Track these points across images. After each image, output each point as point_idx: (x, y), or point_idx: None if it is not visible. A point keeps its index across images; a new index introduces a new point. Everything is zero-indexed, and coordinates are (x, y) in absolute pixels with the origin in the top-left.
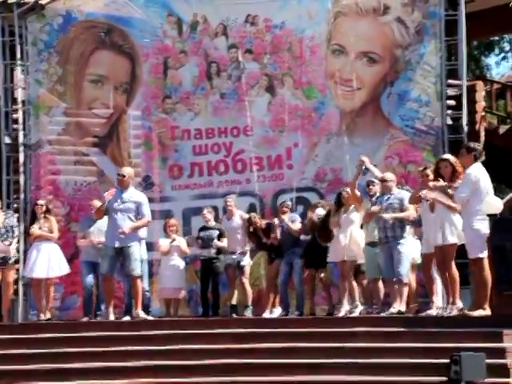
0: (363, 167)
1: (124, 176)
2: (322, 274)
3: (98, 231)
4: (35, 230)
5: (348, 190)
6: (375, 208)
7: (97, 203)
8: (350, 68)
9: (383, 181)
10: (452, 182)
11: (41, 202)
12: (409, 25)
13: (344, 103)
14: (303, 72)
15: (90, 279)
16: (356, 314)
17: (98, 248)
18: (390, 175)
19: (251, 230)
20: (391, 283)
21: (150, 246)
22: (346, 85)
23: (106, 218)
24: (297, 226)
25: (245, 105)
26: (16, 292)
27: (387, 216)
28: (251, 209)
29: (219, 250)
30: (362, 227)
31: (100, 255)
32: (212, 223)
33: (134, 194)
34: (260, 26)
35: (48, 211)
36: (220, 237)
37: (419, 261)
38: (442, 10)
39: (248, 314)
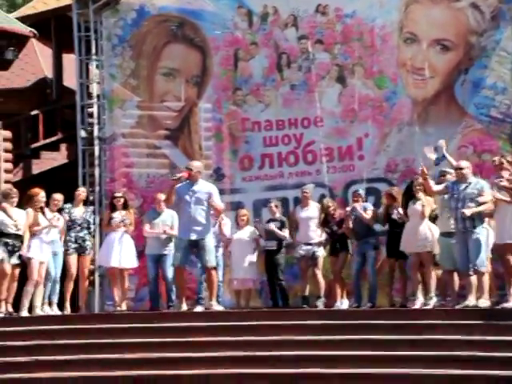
0: (438, 154)
1: (191, 169)
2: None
3: (163, 223)
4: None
5: (420, 179)
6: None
7: (161, 196)
8: (422, 56)
9: (459, 169)
10: None
11: (119, 194)
12: (484, 10)
13: (416, 92)
14: (374, 61)
15: (153, 272)
16: (430, 306)
17: (162, 241)
18: (465, 163)
19: (323, 218)
20: (466, 275)
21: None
22: (418, 73)
23: (168, 210)
24: (368, 214)
25: (315, 96)
26: (92, 283)
27: (467, 212)
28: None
29: (281, 242)
30: (436, 217)
31: (163, 248)
32: (277, 215)
33: (204, 185)
34: (330, 16)
35: (126, 203)
36: (281, 228)
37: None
38: None
39: (319, 305)
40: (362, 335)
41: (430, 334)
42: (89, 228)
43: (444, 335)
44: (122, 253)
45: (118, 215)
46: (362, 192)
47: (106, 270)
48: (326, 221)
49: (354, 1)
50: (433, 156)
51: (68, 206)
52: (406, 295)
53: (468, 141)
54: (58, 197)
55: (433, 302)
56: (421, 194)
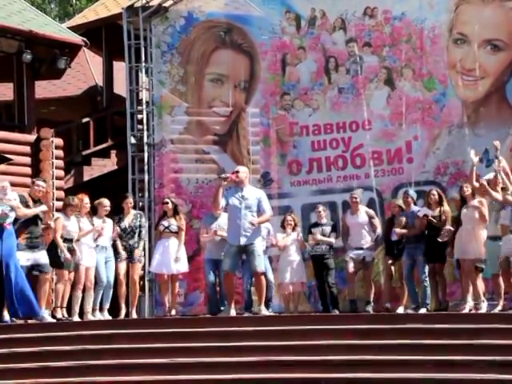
0: (490, 155)
1: (238, 171)
2: None
3: (220, 228)
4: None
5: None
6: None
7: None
8: (473, 57)
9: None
10: None
11: (167, 199)
12: None
13: (466, 93)
14: (423, 63)
15: (212, 277)
16: (482, 310)
17: (220, 246)
18: None
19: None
20: None
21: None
22: (469, 74)
23: (225, 214)
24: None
25: (363, 99)
26: (142, 288)
27: None
28: (370, 204)
29: (331, 246)
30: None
31: (220, 252)
32: (324, 220)
33: (252, 191)
34: (379, 19)
35: (176, 208)
36: (331, 232)
37: None
38: None
39: (369, 309)
40: (414, 340)
41: (483, 338)
42: (139, 234)
43: (496, 340)
44: (171, 259)
45: (166, 222)
46: (412, 194)
47: (156, 276)
48: (392, 222)
49: (402, 2)
50: (475, 158)
51: (117, 217)
52: (445, 298)
53: None
54: (107, 202)
55: (484, 306)
56: (473, 202)
